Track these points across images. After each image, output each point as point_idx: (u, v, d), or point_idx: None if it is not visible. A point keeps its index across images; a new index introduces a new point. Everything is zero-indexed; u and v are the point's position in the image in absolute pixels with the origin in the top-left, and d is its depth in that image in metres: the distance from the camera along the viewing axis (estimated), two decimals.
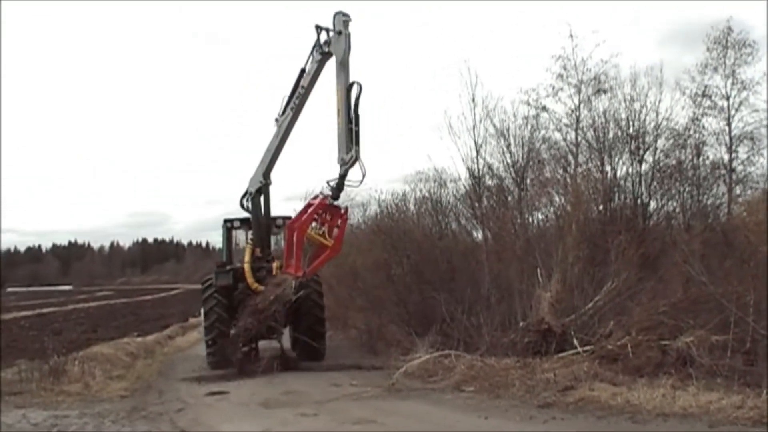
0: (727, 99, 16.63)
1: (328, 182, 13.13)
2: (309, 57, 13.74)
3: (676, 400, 8.82)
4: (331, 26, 13.14)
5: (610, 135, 16.62)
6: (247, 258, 14.74)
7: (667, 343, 10.74)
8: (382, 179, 40.42)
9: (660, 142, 16.42)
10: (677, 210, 16.84)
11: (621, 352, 10.83)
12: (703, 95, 16.74)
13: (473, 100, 16.41)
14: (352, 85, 12.74)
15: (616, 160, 16.52)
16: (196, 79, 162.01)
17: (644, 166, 16.35)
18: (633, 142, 16.33)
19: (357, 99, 12.73)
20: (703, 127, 16.80)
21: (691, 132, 16.67)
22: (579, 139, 17.12)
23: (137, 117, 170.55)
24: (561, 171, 17.14)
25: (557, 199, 16.19)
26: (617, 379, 10.10)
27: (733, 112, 16.62)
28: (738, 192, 16.67)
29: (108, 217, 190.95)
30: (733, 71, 16.53)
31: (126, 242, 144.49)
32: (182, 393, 11.78)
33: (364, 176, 12.79)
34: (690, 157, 16.59)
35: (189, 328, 24.81)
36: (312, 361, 14.44)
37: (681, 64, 46.47)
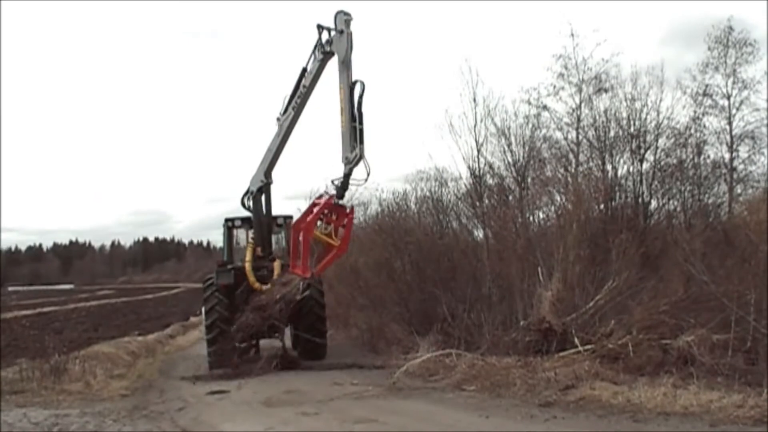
0: (728, 98, 16.63)
1: (332, 181, 13.06)
2: (310, 56, 13.72)
3: (677, 399, 8.82)
4: (332, 26, 13.13)
5: (611, 134, 16.61)
6: (248, 257, 14.75)
7: (668, 342, 10.75)
8: (383, 178, 40.45)
9: (661, 141, 16.42)
10: (678, 209, 16.82)
11: (622, 351, 10.83)
12: (704, 94, 16.74)
13: (474, 99, 16.43)
14: (355, 83, 12.71)
15: (617, 159, 16.51)
16: (198, 78, 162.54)
17: (645, 165, 16.35)
18: (634, 141, 16.31)
19: (360, 97, 12.68)
20: (704, 126, 16.80)
21: (692, 131, 16.67)
22: (580, 138, 17.11)
23: (138, 115, 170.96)
24: (562, 170, 17.13)
25: (558, 198, 16.20)
26: (618, 378, 10.11)
27: (734, 111, 16.62)
28: (739, 191, 16.68)
29: (109, 215, 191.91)
30: (734, 70, 16.53)
31: (127, 241, 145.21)
32: (183, 392, 11.79)
33: (368, 174, 12.72)
34: (691, 156, 16.58)
35: (190, 327, 24.84)
36: (313, 360, 14.46)
37: (682, 63, 46.63)
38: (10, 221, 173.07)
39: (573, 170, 16.97)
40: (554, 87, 16.99)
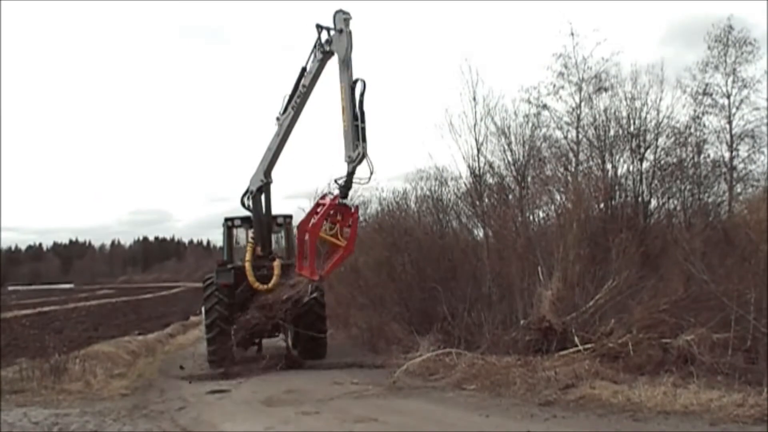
0: (728, 97, 16.60)
1: (336, 180, 13.04)
2: (310, 56, 13.71)
3: (677, 398, 8.84)
4: (331, 25, 13.12)
5: (611, 133, 16.59)
6: (248, 257, 14.75)
7: (668, 341, 10.77)
8: (382, 177, 40.38)
9: (661, 140, 16.39)
10: (678, 208, 16.80)
11: (622, 350, 10.84)
12: (704, 93, 16.71)
13: (474, 98, 16.41)
14: (356, 82, 12.68)
15: (617, 158, 16.49)
16: (198, 78, 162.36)
17: (645, 164, 16.33)
18: (634, 140, 16.30)
19: (362, 96, 12.65)
20: (704, 125, 16.76)
21: (692, 130, 16.64)
22: (580, 137, 17.10)
23: (138, 115, 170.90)
24: (562, 169, 17.11)
25: (558, 197, 16.19)
26: (618, 377, 10.12)
27: (733, 110, 16.58)
28: (739, 190, 16.65)
29: (109, 215, 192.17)
30: (734, 69, 16.50)
31: (127, 240, 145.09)
32: (183, 391, 11.80)
33: (372, 173, 12.64)
34: (691, 155, 16.56)
35: (190, 326, 24.83)
36: (313, 359, 14.47)
37: (682, 62, 46.56)
38: (10, 220, 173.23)
39: (573, 169, 16.97)
40: (554, 86, 16.99)
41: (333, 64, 13.26)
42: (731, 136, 16.60)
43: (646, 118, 16.27)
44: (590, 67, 16.72)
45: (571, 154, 17.27)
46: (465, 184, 17.65)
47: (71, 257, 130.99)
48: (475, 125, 16.45)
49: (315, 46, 13.54)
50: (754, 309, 10.44)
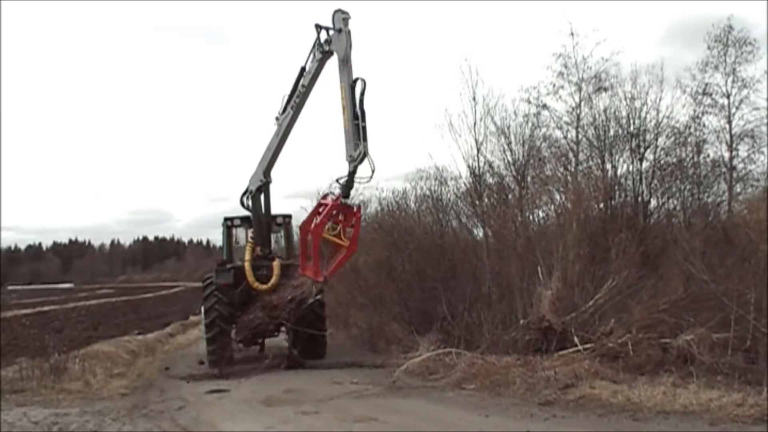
0: (728, 97, 16.59)
1: (337, 180, 13.01)
2: (309, 56, 13.71)
3: (676, 398, 8.84)
4: (330, 25, 13.11)
5: (611, 133, 16.58)
6: (247, 257, 14.74)
7: (667, 341, 10.76)
8: (382, 177, 40.41)
9: (661, 140, 16.38)
10: (678, 208, 16.80)
11: (622, 350, 10.84)
12: (704, 93, 16.70)
13: (474, 98, 16.38)
14: (356, 81, 12.67)
15: (617, 158, 16.48)
16: (198, 77, 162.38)
17: (645, 164, 16.32)
18: (633, 140, 16.29)
19: (362, 95, 12.63)
20: (704, 125, 16.76)
21: (692, 130, 16.63)
22: (580, 137, 17.09)
23: (138, 114, 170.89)
24: (562, 169, 17.11)
25: (558, 197, 16.18)
26: (618, 377, 10.12)
27: (733, 110, 16.58)
28: (738, 190, 16.64)
29: (109, 214, 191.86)
30: (734, 69, 16.49)
31: (127, 240, 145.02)
32: (183, 391, 11.81)
33: (373, 172, 12.60)
34: (691, 155, 16.55)
35: (190, 325, 24.82)
36: (313, 359, 14.45)
37: (682, 62, 46.53)
38: (10, 220, 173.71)
39: (573, 169, 16.96)
40: (554, 86, 16.97)
41: (332, 64, 13.27)
42: (731, 136, 16.60)
43: (645, 118, 16.28)
44: (590, 67, 16.73)
45: (570, 154, 17.28)
46: (465, 184, 17.65)
47: (71, 257, 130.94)
48: (474, 125, 16.45)
49: (314, 46, 13.54)
50: (754, 309, 10.44)
